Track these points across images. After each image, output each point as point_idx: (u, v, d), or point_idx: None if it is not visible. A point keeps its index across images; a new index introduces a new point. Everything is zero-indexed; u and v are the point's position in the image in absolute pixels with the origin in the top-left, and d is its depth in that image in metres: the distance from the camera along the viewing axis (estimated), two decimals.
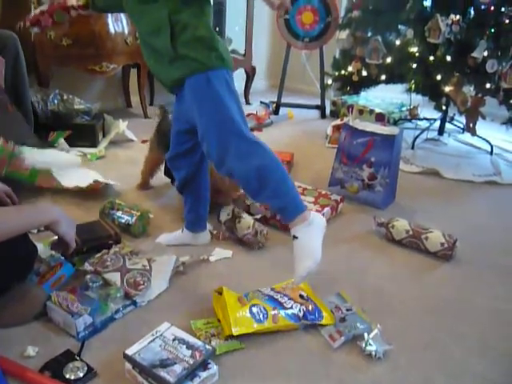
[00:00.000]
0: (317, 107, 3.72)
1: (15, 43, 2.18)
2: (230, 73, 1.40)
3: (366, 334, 1.24)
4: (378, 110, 3.34)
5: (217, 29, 3.95)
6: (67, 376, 1.08)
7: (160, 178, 2.18)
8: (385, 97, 3.65)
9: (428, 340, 1.30)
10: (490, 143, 2.96)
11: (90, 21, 2.73)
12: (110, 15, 2.80)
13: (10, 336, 1.22)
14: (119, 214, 1.74)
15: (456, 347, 1.28)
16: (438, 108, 3.00)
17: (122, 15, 2.88)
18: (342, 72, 3.17)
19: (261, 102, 3.92)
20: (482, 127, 2.91)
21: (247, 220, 1.74)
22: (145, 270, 1.43)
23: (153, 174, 2.16)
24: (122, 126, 2.72)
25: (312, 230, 1.35)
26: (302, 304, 1.32)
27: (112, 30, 2.83)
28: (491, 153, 2.92)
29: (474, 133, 2.88)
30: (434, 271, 1.64)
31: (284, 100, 3.72)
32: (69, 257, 1.48)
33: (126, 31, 2.92)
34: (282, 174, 1.36)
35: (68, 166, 2.11)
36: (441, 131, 3.21)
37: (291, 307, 1.30)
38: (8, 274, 1.24)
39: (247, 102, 3.97)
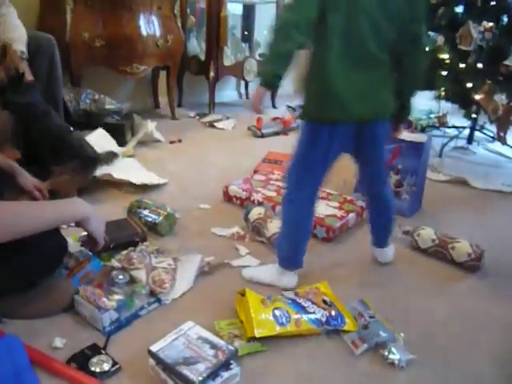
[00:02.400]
0: None
1: (52, 45, 2.24)
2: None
3: (388, 343, 1.24)
4: None
5: (245, 33, 3.98)
6: (92, 369, 1.10)
7: (195, 182, 2.20)
8: (412, 103, 3.60)
9: (452, 352, 1.28)
10: None
11: (123, 22, 2.78)
12: (142, 17, 2.85)
13: (39, 327, 1.25)
14: (146, 212, 1.77)
15: (480, 361, 1.25)
16: (467, 116, 2.96)
17: (154, 17, 2.93)
18: None
19: (287, 106, 3.92)
20: None
21: (280, 220, 1.75)
22: (170, 269, 1.45)
23: None
24: (150, 126, 2.77)
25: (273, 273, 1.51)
26: (324, 309, 1.32)
27: (144, 33, 2.88)
28: None
29: (504, 142, 2.83)
30: (460, 282, 1.62)
31: None
32: (97, 253, 1.52)
33: (158, 34, 2.97)
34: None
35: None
36: (470, 140, 3.16)
37: (314, 312, 1.30)
38: (39, 268, 1.27)
39: (274, 106, 3.98)
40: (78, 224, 1.26)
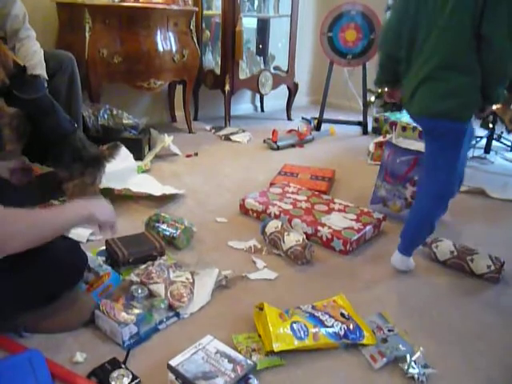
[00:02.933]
0: (359, 123, 3.71)
1: (72, 63, 2.30)
2: None
3: (408, 357, 1.23)
4: None
5: (260, 46, 4.03)
6: (113, 383, 1.12)
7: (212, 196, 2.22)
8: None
9: (472, 366, 1.26)
10: None
11: (140, 39, 2.84)
12: (158, 33, 2.91)
13: (60, 341, 1.27)
14: (164, 226, 1.79)
15: (500, 376, 1.23)
16: (484, 126, 2.93)
17: (170, 33, 2.98)
18: (386, 89, 3.14)
19: (302, 118, 3.94)
20: None
21: (297, 233, 1.76)
22: (188, 283, 1.46)
23: None
24: (167, 140, 2.80)
25: None
26: (343, 322, 1.32)
27: (160, 49, 2.93)
28: None
29: None
30: (479, 294, 1.60)
31: (326, 116, 3.73)
32: (116, 267, 1.54)
33: (174, 49, 3.02)
34: None
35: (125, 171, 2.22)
36: (487, 149, 3.13)
37: (332, 325, 1.30)
38: (60, 282, 1.30)
39: (289, 118, 4.00)
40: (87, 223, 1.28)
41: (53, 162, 1.81)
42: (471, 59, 1.41)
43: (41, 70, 2.09)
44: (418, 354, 1.23)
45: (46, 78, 2.10)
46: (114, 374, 1.14)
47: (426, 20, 1.46)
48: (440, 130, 1.52)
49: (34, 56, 2.10)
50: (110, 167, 1.97)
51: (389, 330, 1.34)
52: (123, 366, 1.17)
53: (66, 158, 1.78)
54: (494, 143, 3.13)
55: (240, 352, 1.21)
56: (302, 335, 1.26)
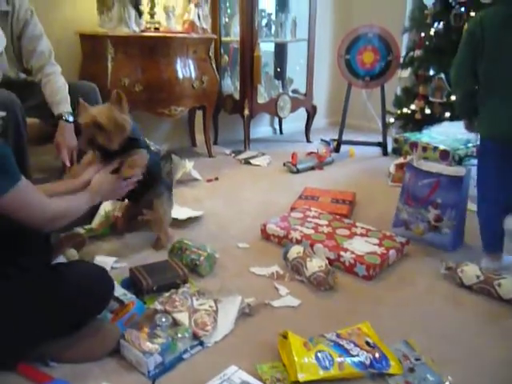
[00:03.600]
0: (378, 144, 3.70)
1: (95, 93, 2.36)
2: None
3: None
4: (442, 147, 3.26)
5: (278, 69, 4.08)
6: None
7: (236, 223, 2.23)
8: (449, 132, 3.56)
9: None
10: None
11: (161, 67, 2.91)
12: (178, 61, 2.97)
13: (86, 371, 1.28)
14: (187, 253, 1.80)
15: None
16: None
17: (190, 61, 3.05)
18: (404, 110, 3.15)
19: (321, 140, 3.94)
20: None
21: (319, 259, 1.76)
22: (211, 311, 1.46)
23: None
24: (188, 165, 2.84)
25: None
26: (368, 351, 1.30)
27: (180, 76, 2.99)
28: None
29: None
30: (508, 320, 1.56)
31: (345, 137, 3.73)
32: (140, 295, 1.55)
33: (194, 76, 3.08)
34: None
35: None
36: None
37: (357, 355, 1.28)
38: (86, 309, 1.32)
39: (308, 140, 4.02)
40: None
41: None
42: None
43: (66, 105, 2.16)
44: None
45: (71, 111, 2.16)
46: None
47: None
48: None
49: (58, 91, 2.16)
50: None
51: (416, 359, 1.31)
52: None
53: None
54: None
55: (265, 382, 1.21)
56: (327, 365, 1.24)
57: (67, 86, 2.20)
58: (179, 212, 2.28)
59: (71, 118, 2.16)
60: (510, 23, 1.65)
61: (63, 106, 2.15)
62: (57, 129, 2.15)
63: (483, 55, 1.71)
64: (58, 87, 2.16)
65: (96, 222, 2.09)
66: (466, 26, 1.88)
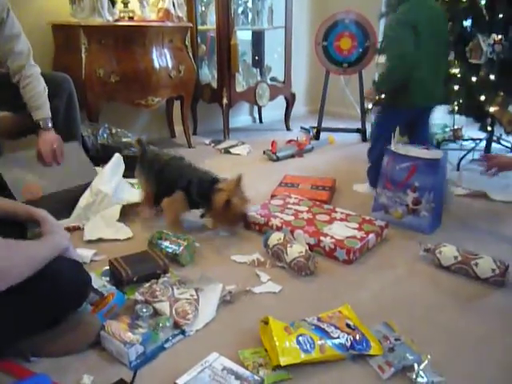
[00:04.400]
0: (357, 131, 3.72)
1: (69, 85, 2.32)
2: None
3: (416, 365, 1.22)
4: None
5: (256, 58, 4.05)
6: None
7: None
8: None
9: (480, 372, 1.26)
10: None
11: (136, 57, 2.86)
12: (154, 51, 2.93)
13: (66, 364, 1.27)
14: (167, 243, 1.79)
15: (508, 380, 1.23)
16: (482, 129, 2.94)
17: (166, 50, 3.01)
18: (382, 96, 3.15)
19: (301, 128, 3.96)
20: None
21: (300, 245, 1.76)
22: (193, 300, 1.46)
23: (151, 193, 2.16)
24: None
25: None
26: (349, 333, 1.31)
27: (157, 66, 2.95)
28: None
29: None
30: (484, 299, 1.60)
31: (324, 125, 3.74)
32: (120, 286, 1.54)
33: (170, 65, 3.04)
34: None
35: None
36: (487, 151, 3.13)
37: (338, 337, 1.30)
38: (64, 304, 1.30)
39: (288, 129, 4.02)
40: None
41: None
42: None
43: (45, 111, 2.12)
44: (425, 363, 1.23)
45: (50, 116, 2.13)
46: None
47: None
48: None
49: (39, 97, 2.11)
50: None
51: (395, 339, 1.33)
52: None
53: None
54: (494, 145, 3.13)
55: (247, 368, 1.21)
56: (309, 348, 1.25)
57: (46, 89, 2.14)
58: None
59: (50, 124, 2.13)
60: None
61: (43, 112, 2.11)
62: (28, 120, 2.10)
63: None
64: (38, 92, 2.11)
65: (74, 215, 2.06)
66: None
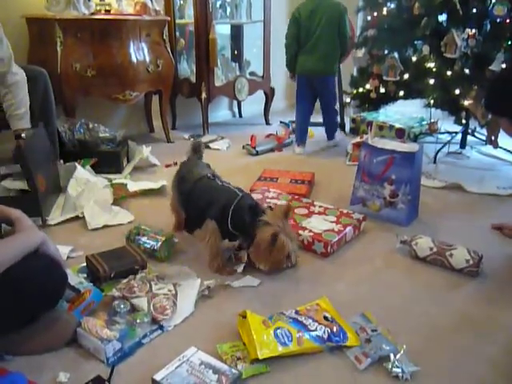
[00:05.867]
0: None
1: (44, 78, 2.28)
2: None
3: (392, 356, 1.24)
4: (397, 126, 3.34)
5: (235, 52, 4.04)
6: None
7: None
8: (404, 112, 3.65)
9: (455, 361, 1.28)
10: None
11: (113, 51, 2.83)
12: (131, 45, 2.90)
13: (43, 362, 1.25)
14: (144, 239, 1.78)
15: (483, 369, 1.26)
16: (458, 122, 2.99)
17: (143, 44, 2.98)
18: (360, 90, 3.19)
19: (280, 122, 3.96)
20: (505, 138, 2.87)
21: None
22: (171, 295, 1.46)
23: (181, 215, 1.94)
24: (145, 151, 2.79)
25: None
26: (326, 326, 1.33)
27: (134, 60, 2.92)
28: None
29: (496, 145, 2.84)
30: (459, 289, 1.63)
31: None
32: (97, 283, 1.53)
33: (148, 59, 3.01)
34: None
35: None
36: (463, 144, 3.19)
37: (316, 329, 1.31)
38: (40, 302, 1.28)
39: (267, 123, 4.02)
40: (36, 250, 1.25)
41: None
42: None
43: (25, 122, 2.08)
44: (401, 353, 1.25)
45: (29, 126, 2.09)
46: None
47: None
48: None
49: (20, 105, 2.06)
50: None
51: (372, 331, 1.35)
52: (108, 383, 1.16)
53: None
54: (469, 138, 3.18)
55: (225, 361, 1.21)
56: (286, 341, 1.26)
57: (28, 98, 2.10)
58: (140, 184, 2.39)
59: (23, 135, 2.08)
60: (312, 14, 2.95)
61: (22, 122, 2.07)
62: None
63: (300, 30, 3.00)
64: (19, 100, 2.06)
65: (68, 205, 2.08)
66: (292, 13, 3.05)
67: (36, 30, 2.83)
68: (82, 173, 2.24)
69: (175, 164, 2.88)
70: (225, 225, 1.64)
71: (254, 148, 3.15)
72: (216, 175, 1.82)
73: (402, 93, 3.02)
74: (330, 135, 3.32)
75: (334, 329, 1.33)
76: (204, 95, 3.47)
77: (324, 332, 1.31)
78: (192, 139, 3.46)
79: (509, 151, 2.95)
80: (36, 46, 2.85)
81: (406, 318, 1.46)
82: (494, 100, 1.78)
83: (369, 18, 3.15)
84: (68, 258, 1.76)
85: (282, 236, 1.57)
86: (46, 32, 2.72)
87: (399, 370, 1.21)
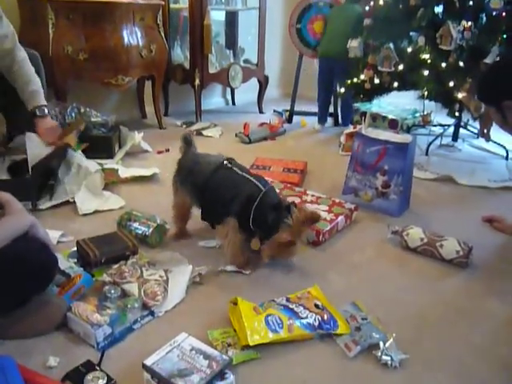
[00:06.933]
0: (330, 115, 3.73)
1: (36, 61, 2.24)
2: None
3: (381, 344, 1.25)
4: (391, 117, 3.34)
5: (229, 39, 4.00)
6: None
7: None
8: (398, 103, 3.65)
9: (443, 350, 1.30)
10: (505, 148, 2.94)
11: (106, 35, 2.79)
12: (124, 29, 2.86)
13: (32, 346, 1.25)
14: (136, 225, 1.77)
15: (471, 357, 1.27)
16: (451, 114, 2.99)
17: (137, 28, 2.94)
18: (355, 80, 3.17)
19: (274, 111, 3.95)
20: (496, 132, 2.89)
21: None
22: (162, 281, 1.45)
23: (185, 219, 1.84)
24: (137, 137, 2.76)
25: None
26: (317, 313, 1.33)
27: (127, 44, 2.88)
28: (507, 158, 2.91)
29: (488, 138, 2.85)
30: (449, 279, 1.64)
31: (297, 108, 3.74)
32: (88, 268, 1.52)
33: (141, 44, 2.97)
34: None
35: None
36: (455, 137, 3.20)
37: (306, 317, 1.31)
38: (29, 285, 1.27)
39: (260, 111, 4.00)
40: (26, 233, 1.23)
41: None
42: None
43: (40, 98, 2.08)
44: (390, 341, 1.26)
45: (45, 103, 2.09)
46: (89, 376, 1.12)
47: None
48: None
49: (36, 79, 2.07)
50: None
51: (362, 319, 1.36)
52: (98, 368, 1.16)
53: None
54: (462, 131, 3.19)
55: (216, 348, 1.21)
56: (277, 328, 1.27)
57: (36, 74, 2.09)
58: (131, 170, 2.38)
59: (47, 111, 2.09)
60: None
61: (38, 99, 2.06)
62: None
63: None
64: (32, 74, 2.06)
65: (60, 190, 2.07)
66: None
67: (27, 11, 2.78)
68: (73, 157, 2.21)
69: (167, 151, 2.86)
70: (246, 222, 1.59)
71: (247, 136, 3.14)
72: (232, 162, 1.74)
73: (396, 84, 3.01)
74: (345, 121, 3.55)
75: (325, 317, 1.33)
76: (197, 82, 3.44)
77: (315, 319, 1.31)
78: (184, 126, 3.44)
79: (500, 145, 2.96)
80: (27, 28, 2.79)
81: (396, 306, 1.47)
82: (485, 88, 1.80)
83: (367, 8, 3.13)
84: (58, 242, 1.74)
85: (299, 243, 1.59)
86: (38, 13, 2.67)
87: (388, 358, 1.22)
